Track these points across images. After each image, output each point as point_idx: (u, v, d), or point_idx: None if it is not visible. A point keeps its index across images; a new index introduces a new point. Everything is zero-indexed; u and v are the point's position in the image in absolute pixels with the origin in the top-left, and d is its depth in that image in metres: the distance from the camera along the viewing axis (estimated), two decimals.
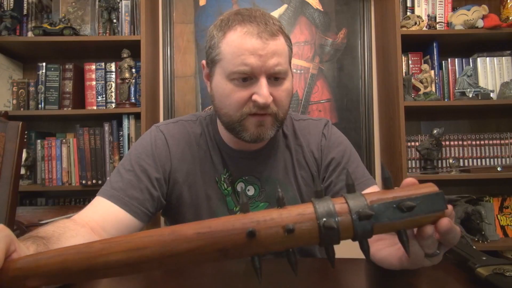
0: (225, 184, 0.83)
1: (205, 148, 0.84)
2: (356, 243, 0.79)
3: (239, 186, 0.83)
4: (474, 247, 0.71)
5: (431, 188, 0.39)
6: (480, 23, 1.81)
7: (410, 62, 1.94)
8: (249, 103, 0.72)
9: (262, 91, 0.70)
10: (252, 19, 0.72)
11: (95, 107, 1.92)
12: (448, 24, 1.89)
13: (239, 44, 0.70)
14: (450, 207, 0.41)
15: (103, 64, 1.93)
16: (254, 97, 0.71)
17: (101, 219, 0.70)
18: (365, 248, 0.38)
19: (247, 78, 0.71)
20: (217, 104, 0.77)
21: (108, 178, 0.82)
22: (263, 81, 0.70)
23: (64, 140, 1.89)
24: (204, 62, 0.81)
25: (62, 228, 0.58)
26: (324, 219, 0.37)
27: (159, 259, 0.38)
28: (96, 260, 0.38)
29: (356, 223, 0.37)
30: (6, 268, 0.39)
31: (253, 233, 0.37)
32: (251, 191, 0.83)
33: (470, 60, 1.94)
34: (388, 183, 0.40)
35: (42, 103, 1.87)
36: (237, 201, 0.83)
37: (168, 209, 0.85)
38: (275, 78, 0.73)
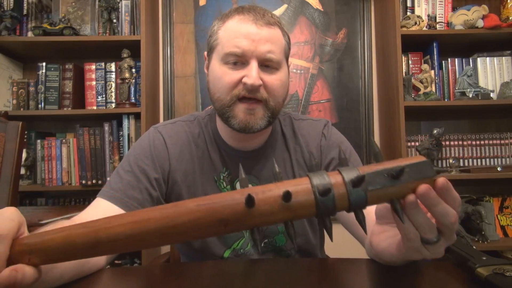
0: (224, 182, 0.83)
1: (203, 148, 0.85)
2: (356, 244, 0.78)
3: (238, 185, 0.83)
4: (474, 247, 0.72)
5: (419, 158, 0.41)
6: (480, 23, 1.81)
7: (410, 62, 1.95)
8: (239, 85, 0.74)
9: (251, 73, 0.72)
10: (251, 10, 0.75)
11: (95, 107, 1.92)
12: (448, 24, 1.89)
13: (235, 28, 0.74)
14: (443, 178, 0.40)
15: (103, 64, 1.93)
16: (244, 79, 0.72)
17: None
18: (360, 218, 0.39)
19: (238, 62, 0.74)
20: (211, 90, 0.79)
21: (108, 180, 0.81)
22: (253, 64, 0.72)
23: (64, 140, 1.90)
24: (205, 53, 0.84)
25: None
26: (319, 187, 0.39)
27: (162, 231, 0.39)
28: (100, 234, 0.39)
29: (350, 190, 0.38)
30: (13, 244, 0.40)
31: (252, 201, 0.37)
32: None
33: (470, 60, 1.94)
34: (379, 158, 0.41)
35: (42, 103, 1.87)
36: None
37: None
38: (267, 66, 0.74)
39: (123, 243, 0.39)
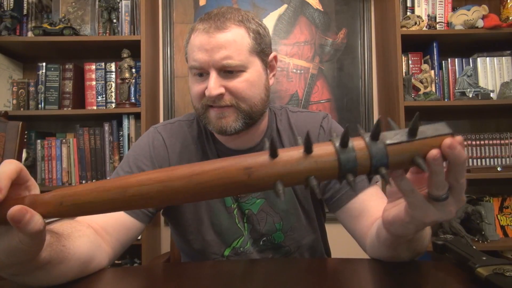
0: None
1: (202, 148, 0.85)
2: (356, 244, 0.78)
3: None
4: (474, 247, 0.72)
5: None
6: (480, 23, 1.81)
7: (410, 62, 1.95)
8: (204, 96, 0.75)
9: (209, 84, 0.72)
10: (209, 17, 0.75)
11: (95, 107, 1.92)
12: (448, 24, 1.89)
13: (193, 42, 0.75)
14: (460, 137, 0.40)
15: (103, 64, 1.93)
16: (205, 91, 0.74)
17: (102, 221, 0.70)
18: (383, 173, 0.39)
19: (202, 73, 0.75)
20: (191, 98, 0.81)
21: None
22: (212, 75, 0.73)
23: (64, 140, 1.89)
24: None
25: (70, 228, 0.58)
26: (339, 140, 0.40)
27: (188, 177, 0.40)
28: (130, 179, 0.41)
29: (369, 142, 0.39)
30: (41, 197, 0.42)
31: (275, 150, 0.39)
32: None
33: (470, 60, 1.94)
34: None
35: (42, 103, 1.87)
36: (234, 198, 0.83)
37: (168, 208, 0.85)
38: (229, 71, 0.74)
39: (150, 188, 0.40)
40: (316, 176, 0.39)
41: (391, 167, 0.39)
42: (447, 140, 0.39)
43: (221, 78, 0.73)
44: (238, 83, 0.74)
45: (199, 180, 0.39)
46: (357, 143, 0.40)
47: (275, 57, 0.83)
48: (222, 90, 0.73)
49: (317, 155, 0.39)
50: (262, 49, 0.77)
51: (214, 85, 0.72)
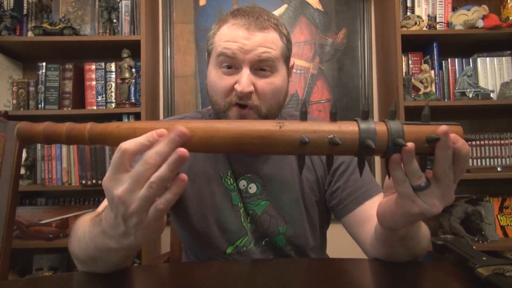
0: (230, 179, 0.83)
1: None
2: (354, 245, 0.78)
3: (242, 184, 0.83)
4: (474, 247, 0.72)
5: None
6: (480, 23, 1.81)
7: (410, 62, 1.95)
8: (232, 92, 0.74)
9: (242, 80, 0.72)
10: (246, 14, 0.75)
11: (95, 107, 1.92)
12: (448, 24, 1.89)
13: (227, 33, 0.74)
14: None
15: (103, 64, 1.93)
16: (235, 85, 0.73)
17: None
18: (400, 141, 0.44)
19: (231, 66, 0.74)
20: (209, 92, 0.80)
21: None
22: (245, 70, 0.72)
23: None
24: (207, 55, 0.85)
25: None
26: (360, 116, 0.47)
27: (228, 122, 0.46)
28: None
29: (388, 121, 0.46)
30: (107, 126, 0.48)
31: (305, 116, 0.47)
32: (253, 189, 0.83)
33: (470, 60, 1.94)
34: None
35: (42, 103, 1.87)
36: (241, 197, 0.83)
37: (174, 205, 0.85)
38: (261, 69, 0.74)
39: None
40: (339, 137, 0.44)
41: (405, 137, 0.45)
42: (454, 128, 0.46)
43: (251, 75, 0.73)
44: (265, 84, 0.75)
45: (238, 124, 0.46)
46: (376, 122, 0.47)
47: (293, 64, 0.86)
48: (253, 88, 0.73)
49: (341, 122, 0.46)
50: (288, 55, 0.80)
51: (247, 81, 0.72)
